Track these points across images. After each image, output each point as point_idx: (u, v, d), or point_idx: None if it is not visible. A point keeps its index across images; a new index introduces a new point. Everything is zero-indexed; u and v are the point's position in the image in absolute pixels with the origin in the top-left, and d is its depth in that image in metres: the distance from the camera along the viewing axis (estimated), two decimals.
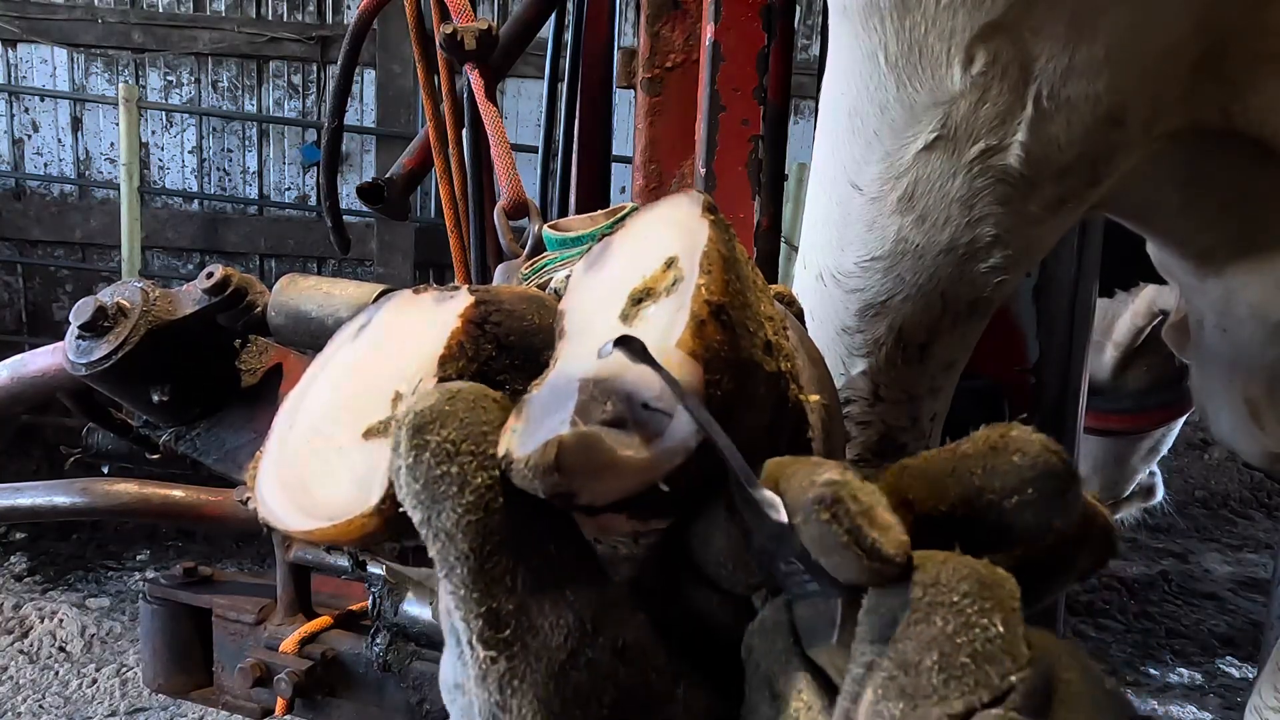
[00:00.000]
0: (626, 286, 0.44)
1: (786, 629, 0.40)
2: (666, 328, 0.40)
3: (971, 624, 0.33)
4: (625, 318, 0.43)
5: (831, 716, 0.36)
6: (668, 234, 0.45)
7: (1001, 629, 0.33)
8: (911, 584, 0.34)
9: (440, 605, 0.41)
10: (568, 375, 0.40)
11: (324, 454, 0.44)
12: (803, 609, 0.39)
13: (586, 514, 0.39)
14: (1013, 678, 0.32)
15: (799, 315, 0.68)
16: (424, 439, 0.38)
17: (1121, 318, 2.12)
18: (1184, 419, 2.43)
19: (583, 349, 0.43)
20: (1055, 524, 0.37)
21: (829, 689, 0.38)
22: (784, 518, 0.35)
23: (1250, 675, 4.37)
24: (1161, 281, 1.89)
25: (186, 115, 7.10)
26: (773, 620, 0.41)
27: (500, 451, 0.38)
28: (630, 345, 0.38)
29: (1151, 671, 4.56)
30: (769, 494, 0.36)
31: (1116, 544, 0.42)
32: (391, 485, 0.39)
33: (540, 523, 0.39)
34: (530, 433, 0.38)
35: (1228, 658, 4.72)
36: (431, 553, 0.38)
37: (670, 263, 0.43)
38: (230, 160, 7.21)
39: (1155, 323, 2.06)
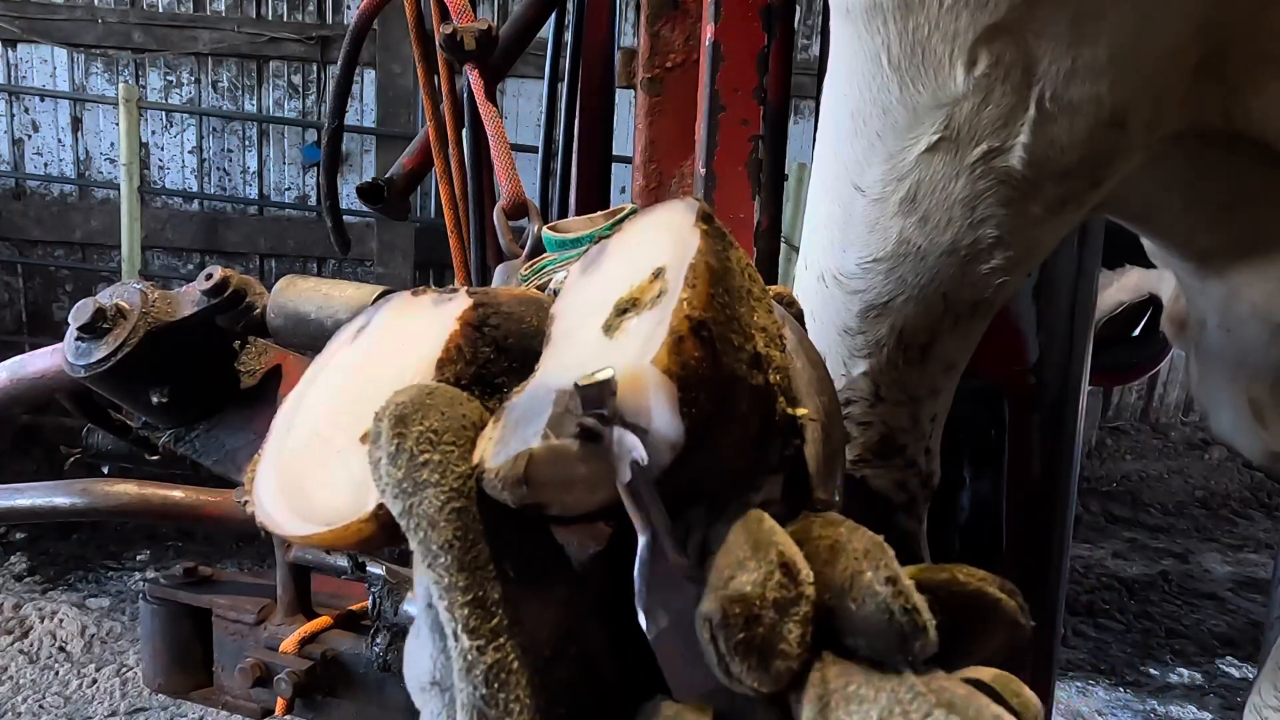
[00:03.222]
0: (614, 295, 0.44)
1: None
2: (646, 342, 0.39)
3: None
4: (608, 329, 0.42)
5: None
6: (660, 242, 0.45)
7: None
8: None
9: (417, 601, 0.40)
10: (546, 385, 0.40)
11: (322, 457, 0.44)
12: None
13: (559, 524, 0.39)
14: None
15: (799, 317, 0.68)
16: (406, 428, 0.38)
17: (1108, 289, 2.16)
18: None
19: (564, 358, 0.42)
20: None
21: None
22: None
23: (1250, 675, 4.37)
24: (1147, 264, 1.93)
25: (186, 115, 7.09)
26: None
27: (475, 459, 0.38)
28: (593, 389, 0.37)
29: (1151, 671, 4.56)
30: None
31: (1025, 625, 0.43)
32: None
33: (516, 522, 0.39)
34: (504, 442, 0.38)
35: (1228, 658, 4.72)
36: (412, 543, 0.37)
37: (658, 273, 0.43)
38: (230, 160, 7.21)
39: (1137, 300, 2.11)
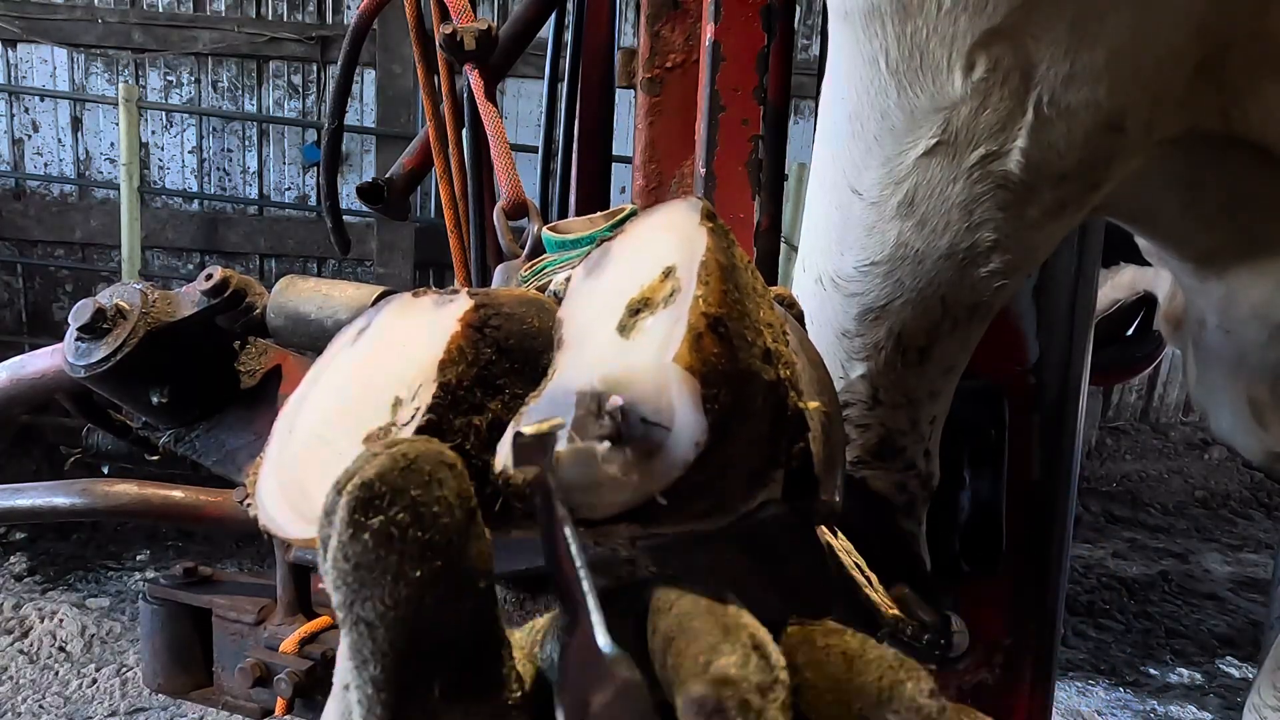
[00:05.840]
0: (625, 296, 0.44)
1: None
2: (664, 341, 0.40)
3: None
4: (623, 329, 0.42)
5: None
6: (666, 242, 0.45)
7: None
8: None
9: (336, 675, 0.36)
10: (565, 388, 0.40)
11: (324, 460, 0.44)
12: None
13: (583, 527, 0.39)
14: None
15: (799, 318, 0.68)
16: (366, 517, 0.33)
17: (1103, 287, 2.17)
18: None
19: (580, 360, 0.42)
20: None
21: None
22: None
23: (1250, 675, 4.38)
24: (1142, 263, 1.94)
25: (186, 115, 7.10)
26: None
27: (497, 467, 0.38)
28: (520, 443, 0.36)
29: (1151, 671, 4.57)
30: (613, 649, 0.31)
31: None
32: None
33: (463, 616, 0.35)
34: None
35: (1228, 658, 4.73)
36: (344, 642, 0.34)
37: (668, 272, 0.43)
38: (230, 160, 7.21)
39: (1132, 298, 2.12)
